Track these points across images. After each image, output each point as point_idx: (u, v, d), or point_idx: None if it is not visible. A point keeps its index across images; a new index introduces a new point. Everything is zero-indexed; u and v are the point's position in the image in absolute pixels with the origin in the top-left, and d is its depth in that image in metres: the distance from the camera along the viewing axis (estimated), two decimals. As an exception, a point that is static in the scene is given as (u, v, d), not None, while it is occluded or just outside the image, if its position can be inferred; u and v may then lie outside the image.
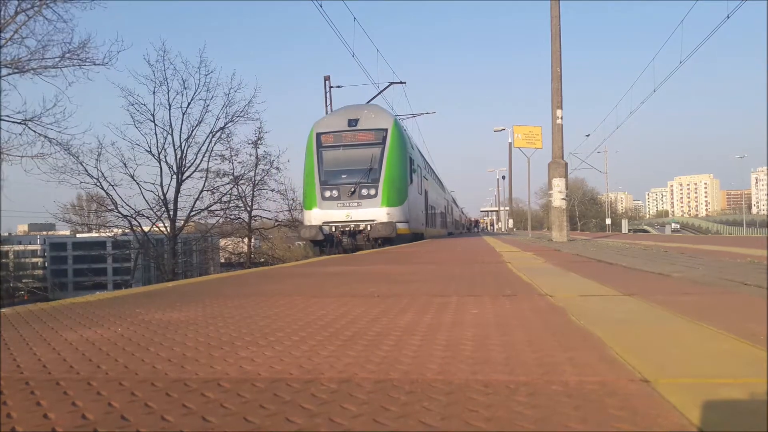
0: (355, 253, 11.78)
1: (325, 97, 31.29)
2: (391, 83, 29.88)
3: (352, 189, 14.50)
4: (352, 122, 15.17)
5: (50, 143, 17.84)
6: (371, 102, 20.57)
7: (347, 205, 14.51)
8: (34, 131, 17.13)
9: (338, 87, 31.66)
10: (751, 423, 1.14)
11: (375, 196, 14.38)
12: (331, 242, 14.58)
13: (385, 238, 14.09)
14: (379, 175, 14.49)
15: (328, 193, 14.60)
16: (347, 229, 14.50)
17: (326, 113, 25.11)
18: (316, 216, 14.64)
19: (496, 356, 1.70)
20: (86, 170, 21.29)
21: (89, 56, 17.32)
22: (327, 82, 31.40)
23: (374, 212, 14.32)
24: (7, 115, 16.43)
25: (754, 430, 1.10)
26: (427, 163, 22.99)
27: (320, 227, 14.42)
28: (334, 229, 14.57)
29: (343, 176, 14.72)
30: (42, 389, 1.46)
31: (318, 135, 15.22)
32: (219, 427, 1.16)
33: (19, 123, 16.81)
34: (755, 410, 1.20)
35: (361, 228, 14.46)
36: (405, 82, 30.13)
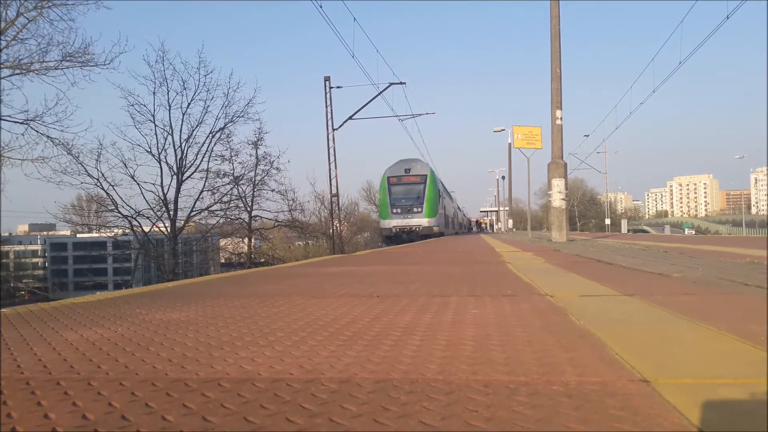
0: (356, 253, 13.84)
1: (326, 97, 31.33)
2: (391, 84, 30.01)
3: (408, 208, 26.00)
4: (407, 170, 26.78)
5: (52, 143, 17.70)
6: (372, 101, 29.98)
7: (405, 217, 25.92)
8: (36, 131, 17.03)
9: (338, 87, 31.74)
10: (751, 423, 1.14)
11: (421, 212, 25.82)
12: (396, 237, 25.54)
13: (426, 235, 25.02)
14: (423, 201, 25.92)
15: (395, 210, 26.21)
16: (405, 229, 25.70)
17: (327, 113, 30.96)
18: (389, 223, 26.30)
19: (497, 356, 1.70)
20: (86, 171, 21.19)
21: (91, 58, 17.19)
22: (327, 82, 31.42)
23: (420, 221, 25.70)
24: (9, 115, 16.33)
25: (754, 431, 1.10)
26: (444, 187, 33.20)
27: (391, 229, 26.10)
28: (398, 230, 25.91)
29: (403, 201, 26.20)
30: (42, 389, 1.46)
31: (388, 177, 26.90)
32: (219, 427, 1.16)
33: (21, 123, 16.73)
34: (755, 410, 1.21)
35: (413, 229, 25.51)
36: (405, 83, 30.32)
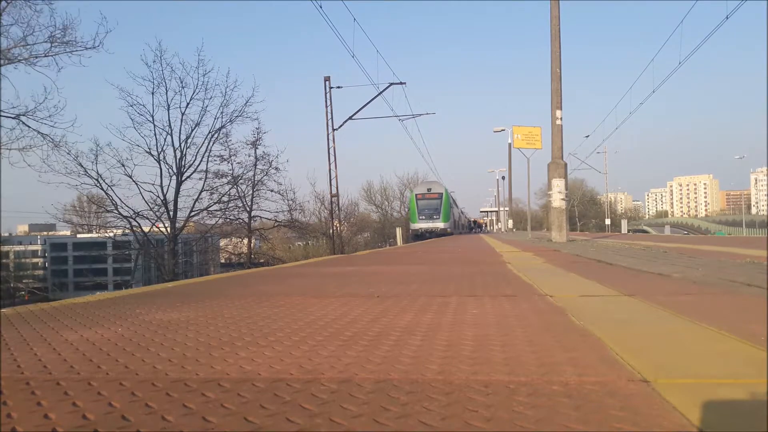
0: (356, 253, 14.26)
1: (326, 97, 31.38)
2: (391, 84, 30.09)
3: (430, 215, 36.06)
4: (429, 189, 37.39)
5: (43, 139, 17.41)
6: (372, 101, 32.31)
7: (428, 222, 35.92)
8: (28, 126, 16.75)
9: (338, 87, 31.78)
10: (751, 423, 1.14)
11: (439, 218, 35.86)
12: (422, 236, 33.82)
13: (442, 234, 34.26)
14: (440, 211, 36.02)
15: (421, 217, 36.28)
16: (428, 231, 35.02)
17: (326, 114, 31.95)
18: (417, 225, 36.21)
19: (497, 356, 1.70)
20: (86, 171, 21.16)
21: (77, 41, 16.85)
22: (327, 82, 31.45)
23: (438, 224, 35.57)
24: (1, 110, 16.11)
25: (754, 431, 1.10)
26: (453, 199, 43.04)
27: (418, 230, 35.82)
28: (423, 231, 35.26)
29: (426, 211, 36.34)
30: (42, 389, 1.46)
31: (416, 194, 37.57)
32: (219, 427, 1.16)
33: (13, 118, 16.50)
34: (755, 411, 1.21)
35: (433, 230, 35.00)
36: (405, 83, 30.44)
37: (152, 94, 22.87)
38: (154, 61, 22.77)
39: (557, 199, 12.51)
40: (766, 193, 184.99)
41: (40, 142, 17.27)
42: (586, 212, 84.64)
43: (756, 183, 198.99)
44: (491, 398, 1.30)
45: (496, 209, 69.88)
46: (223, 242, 32.09)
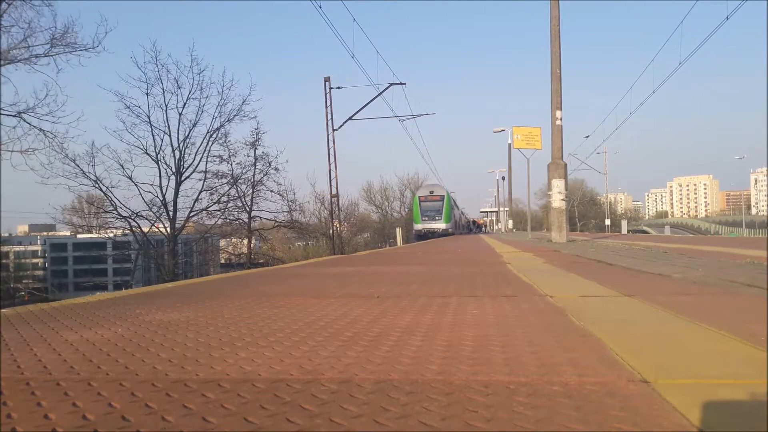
0: (356, 254, 14.43)
1: (326, 97, 31.40)
2: (391, 84, 30.11)
3: (432, 216, 37.27)
4: (431, 192, 38.46)
5: (45, 135, 17.39)
6: (372, 102, 32.65)
7: (431, 222, 37.03)
8: (29, 123, 16.71)
9: (338, 88, 31.79)
10: (751, 424, 1.14)
11: (440, 219, 36.98)
12: (424, 236, 34.72)
13: (444, 235, 35.16)
14: (442, 212, 37.19)
15: (424, 218, 37.35)
16: (430, 231, 36.12)
17: (326, 114, 32.15)
18: (420, 226, 37.23)
19: (497, 357, 1.70)
20: (84, 173, 21.12)
21: (77, 42, 16.91)
22: (327, 83, 31.47)
23: (440, 225, 36.70)
24: (1, 109, 16.08)
25: (754, 431, 1.10)
26: (454, 201, 44.31)
27: (421, 230, 36.69)
28: (425, 231, 36.24)
29: (429, 212, 37.52)
30: (42, 390, 1.46)
31: (419, 197, 38.69)
32: (219, 427, 1.16)
33: (14, 116, 16.47)
34: (755, 411, 1.21)
35: (435, 231, 36.14)
36: (405, 83, 30.44)
37: (147, 94, 22.79)
38: (149, 62, 22.64)
39: (557, 200, 12.51)
40: (766, 193, 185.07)
41: (41, 141, 17.27)
42: (586, 212, 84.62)
43: (756, 183, 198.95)
44: (491, 398, 1.30)
45: (496, 209, 69.93)
46: (222, 242, 32.08)
